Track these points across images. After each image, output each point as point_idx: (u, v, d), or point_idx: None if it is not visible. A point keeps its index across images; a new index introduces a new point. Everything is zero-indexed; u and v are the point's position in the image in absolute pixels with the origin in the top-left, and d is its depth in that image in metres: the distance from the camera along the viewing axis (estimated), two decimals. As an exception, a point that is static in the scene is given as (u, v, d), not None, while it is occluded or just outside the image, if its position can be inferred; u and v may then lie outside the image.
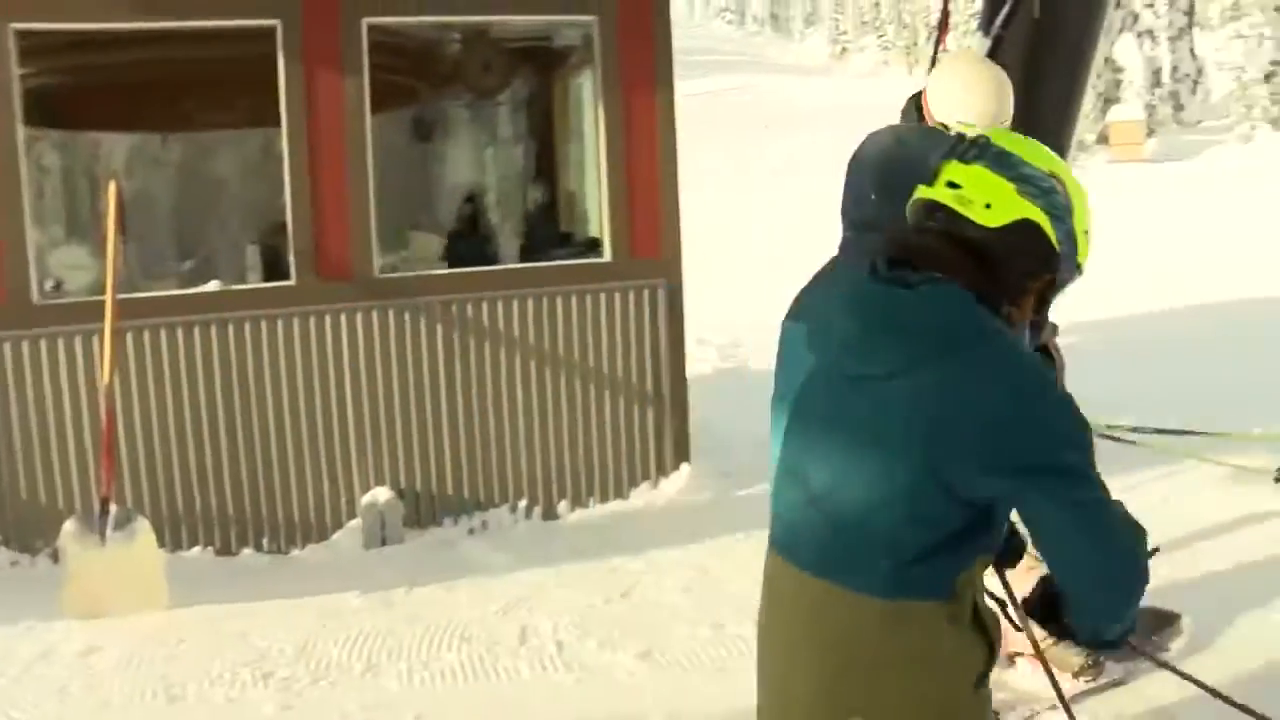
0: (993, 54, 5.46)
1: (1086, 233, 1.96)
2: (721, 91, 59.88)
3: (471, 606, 4.87)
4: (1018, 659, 4.02)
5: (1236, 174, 32.14)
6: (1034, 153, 1.95)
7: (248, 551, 5.60)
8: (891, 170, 2.36)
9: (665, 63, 6.15)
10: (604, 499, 6.05)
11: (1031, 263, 1.93)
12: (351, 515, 5.69)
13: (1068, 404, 1.83)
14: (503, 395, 5.87)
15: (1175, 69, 55.91)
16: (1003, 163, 1.92)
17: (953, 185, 1.92)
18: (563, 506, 5.99)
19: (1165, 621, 4.05)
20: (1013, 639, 3.91)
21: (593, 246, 6.32)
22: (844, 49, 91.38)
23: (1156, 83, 55.05)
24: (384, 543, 5.63)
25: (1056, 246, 1.92)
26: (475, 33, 6.66)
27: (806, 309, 2.25)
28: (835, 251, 2.48)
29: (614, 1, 6.00)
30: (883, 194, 2.38)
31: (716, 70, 68.19)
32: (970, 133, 2.07)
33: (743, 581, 4.89)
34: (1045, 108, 5.08)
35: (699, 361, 9.35)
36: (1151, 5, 54.86)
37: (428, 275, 6.06)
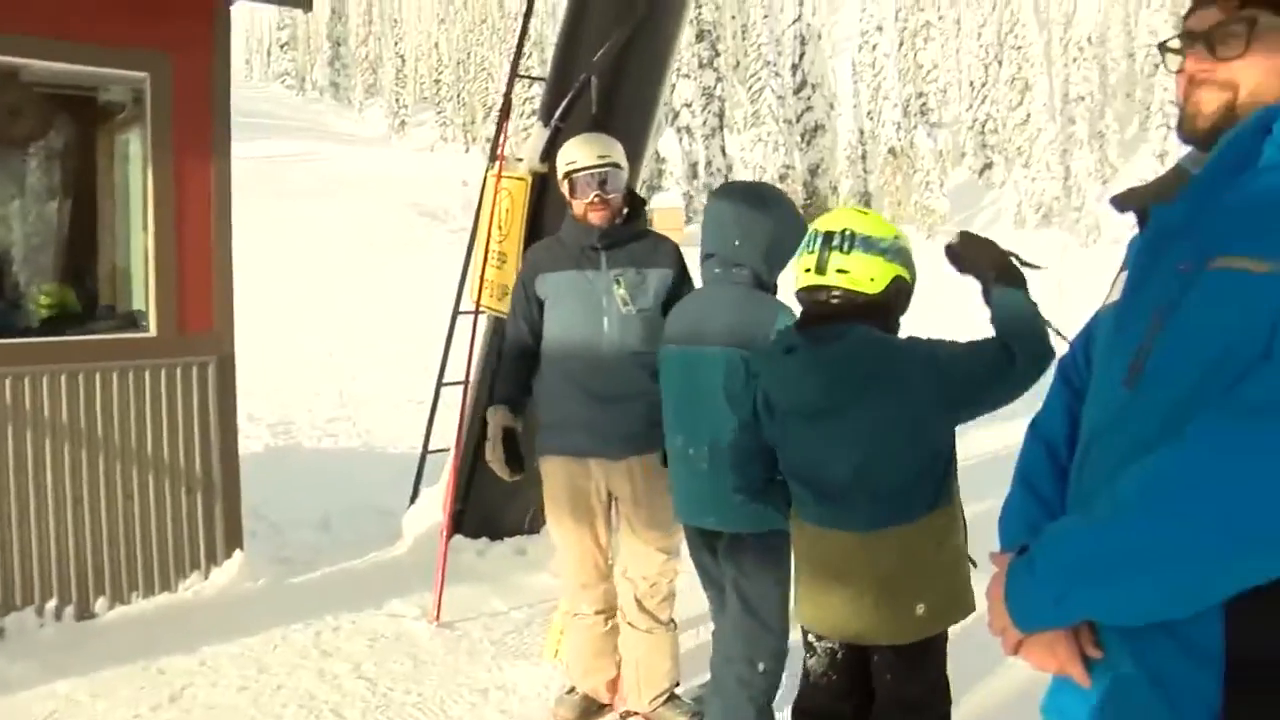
0: (552, 143, 5.72)
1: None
2: (283, 156, 58.49)
3: (-16, 730, 4.24)
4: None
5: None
6: (881, 226, 2.89)
7: None
8: (758, 230, 3.54)
9: (223, 127, 5.82)
10: (149, 593, 5.51)
11: (904, 300, 2.94)
12: None
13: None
14: (28, 482, 5.21)
15: (710, 163, 61.63)
16: (870, 245, 2.82)
17: (842, 271, 2.81)
18: (100, 604, 5.36)
19: None
20: (629, 700, 4.08)
21: (136, 320, 5.84)
22: (403, 122, 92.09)
23: (694, 174, 60.45)
24: None
25: (911, 282, 2.93)
26: (5, 74, 6.01)
27: (686, 333, 3.60)
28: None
29: (169, 60, 5.62)
30: (746, 242, 3.53)
31: (277, 134, 66.55)
32: (825, 225, 2.88)
33: (303, 675, 4.67)
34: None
35: (249, 439, 8.93)
36: (690, 105, 60.08)
37: (-62, 345, 5.34)
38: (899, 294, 2.89)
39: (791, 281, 3.07)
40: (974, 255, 2.78)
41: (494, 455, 4.10)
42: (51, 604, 5.25)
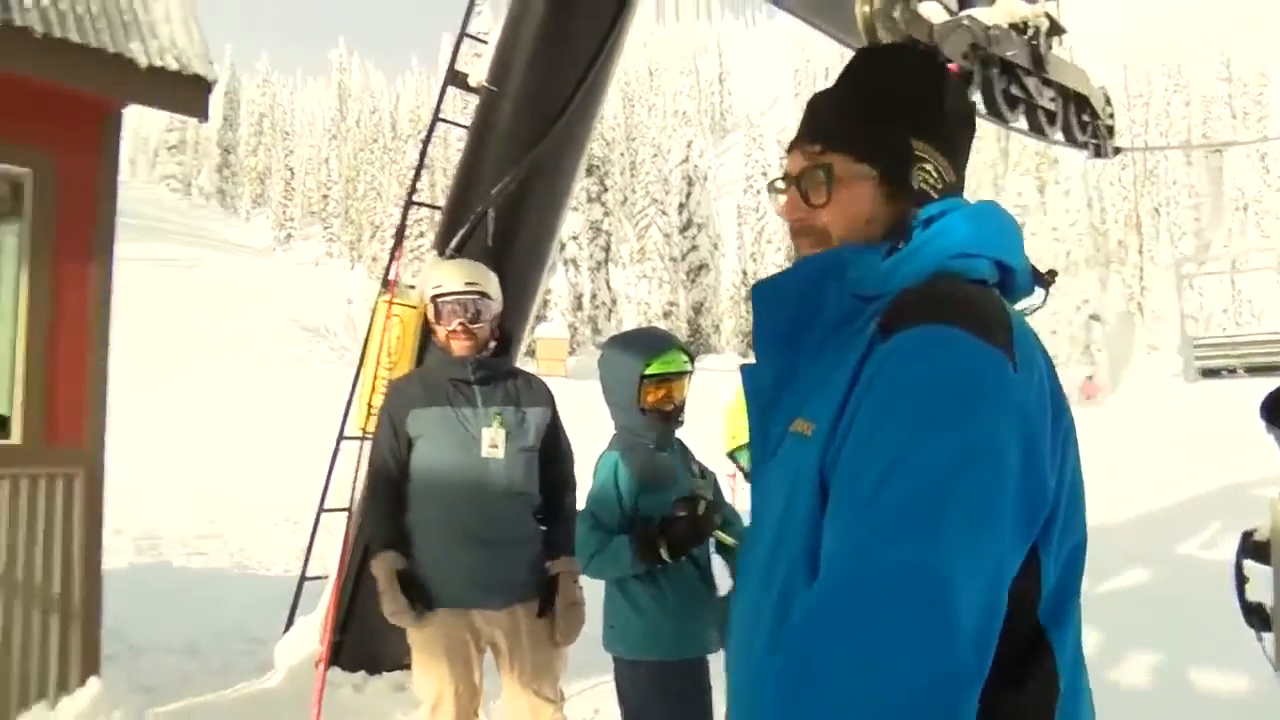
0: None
1: None
2: (165, 260, 57.56)
3: None
4: None
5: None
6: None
7: None
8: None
9: (107, 232, 5.59)
10: (-15, 721, 5.08)
11: None
12: None
13: None
14: None
15: (595, 296, 62.49)
16: None
17: None
18: (-69, 732, 4.94)
19: None
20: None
21: None
22: (289, 234, 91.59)
23: (579, 306, 61.14)
24: None
25: None
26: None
27: None
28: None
29: (52, 158, 5.42)
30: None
31: (160, 237, 65.59)
32: None
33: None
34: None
35: (113, 554, 8.44)
36: (576, 238, 61.15)
37: None
38: None
39: None
40: None
41: (396, 606, 3.67)
42: (-122, 732, 4.79)
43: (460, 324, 3.88)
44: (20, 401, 5.30)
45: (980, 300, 1.42)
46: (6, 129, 5.32)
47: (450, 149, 53.76)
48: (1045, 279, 1.60)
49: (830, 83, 1.71)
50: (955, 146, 1.63)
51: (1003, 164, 71.38)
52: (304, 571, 6.55)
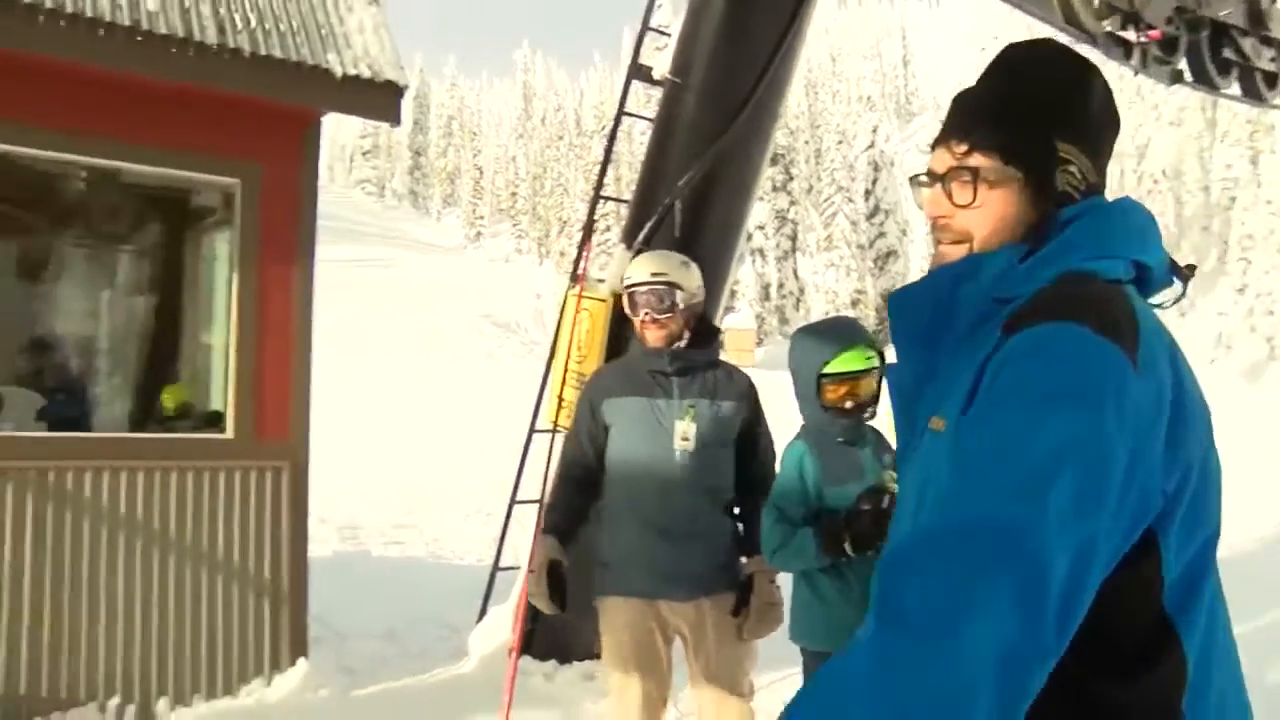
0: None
1: None
2: (361, 261, 59.71)
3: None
4: None
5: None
6: None
7: None
8: None
9: (308, 236, 5.91)
10: (210, 696, 5.40)
11: None
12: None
13: None
14: (100, 578, 5.20)
15: (782, 285, 61.83)
16: None
17: None
18: (162, 705, 5.27)
19: None
20: None
21: (214, 420, 5.85)
22: (479, 233, 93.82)
23: (766, 296, 60.66)
24: (-66, 749, 4.75)
25: None
26: (105, 174, 6.16)
27: None
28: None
29: (258, 169, 5.74)
30: None
31: (356, 240, 68.07)
32: None
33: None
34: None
35: (318, 542, 8.86)
36: (762, 228, 60.57)
37: (20, 437, 5.36)
38: None
39: None
40: None
41: (537, 589, 3.75)
42: (114, 702, 5.18)
43: (649, 314, 3.87)
44: (232, 399, 5.64)
45: (1108, 299, 1.42)
46: (218, 143, 5.67)
47: (636, 143, 54.17)
48: (1184, 272, 1.60)
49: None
50: (1099, 146, 1.63)
51: (1209, 135, 67.62)
52: (496, 562, 6.74)
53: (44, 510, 5.10)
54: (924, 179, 1.66)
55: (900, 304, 1.64)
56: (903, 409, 1.66)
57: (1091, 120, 1.62)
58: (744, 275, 59.75)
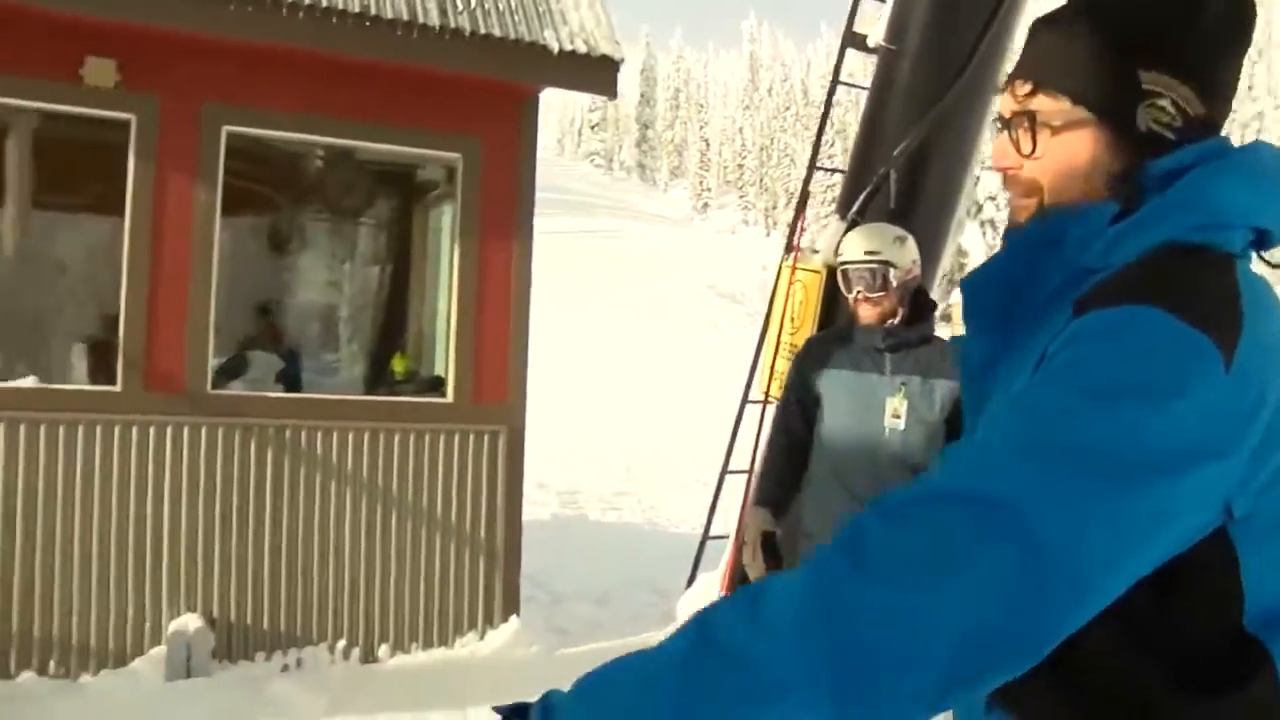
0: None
1: None
2: (590, 232, 60.82)
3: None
4: None
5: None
6: None
7: (28, 675, 5.03)
8: None
9: (526, 207, 6.11)
10: (427, 645, 5.76)
11: None
12: (156, 642, 5.25)
13: None
14: (330, 529, 5.58)
15: (1013, 256, 59.50)
16: None
17: None
18: (383, 650, 5.67)
19: None
20: None
21: (436, 385, 6.14)
22: (706, 204, 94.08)
23: (996, 267, 58.49)
24: (189, 674, 5.19)
25: None
26: (340, 153, 6.54)
27: None
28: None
29: (478, 142, 5.97)
30: None
31: (584, 211, 69.33)
32: None
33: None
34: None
35: (537, 505, 9.20)
36: (994, 198, 58.33)
37: (263, 397, 5.79)
38: None
39: None
40: None
41: (751, 561, 3.81)
42: (341, 644, 5.61)
43: (859, 292, 3.85)
44: (452, 365, 5.91)
45: (1207, 278, 1.18)
46: (441, 119, 5.92)
47: (856, 112, 53.17)
48: None
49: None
50: (1213, 67, 1.29)
51: None
52: (706, 530, 6.82)
53: (281, 463, 5.49)
54: (998, 125, 1.40)
55: (972, 288, 1.42)
56: (970, 387, 1.46)
57: (1195, 35, 1.27)
58: (974, 248, 57.92)
